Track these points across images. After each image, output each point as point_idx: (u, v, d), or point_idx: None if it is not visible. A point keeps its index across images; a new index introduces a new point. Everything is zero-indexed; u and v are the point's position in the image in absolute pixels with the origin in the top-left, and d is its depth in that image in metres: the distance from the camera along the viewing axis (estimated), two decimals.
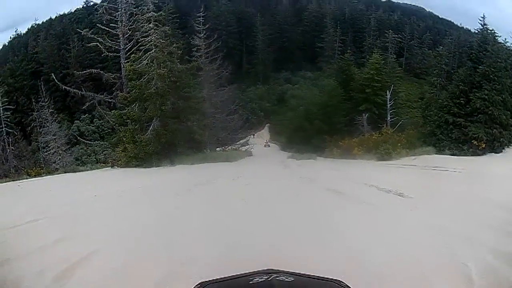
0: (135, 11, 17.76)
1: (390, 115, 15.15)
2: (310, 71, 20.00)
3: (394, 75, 17.10)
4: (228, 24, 20.64)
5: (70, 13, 23.33)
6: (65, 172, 16.38)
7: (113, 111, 17.37)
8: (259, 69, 20.88)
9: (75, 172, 16.26)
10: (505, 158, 17.06)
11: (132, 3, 18.08)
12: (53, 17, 22.59)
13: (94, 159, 19.00)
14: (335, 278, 1.29)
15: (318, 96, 16.87)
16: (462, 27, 19.94)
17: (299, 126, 16.15)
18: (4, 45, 21.94)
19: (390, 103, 15.15)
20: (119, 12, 18.05)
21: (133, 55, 16.90)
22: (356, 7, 21.36)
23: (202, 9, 17.26)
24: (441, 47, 18.40)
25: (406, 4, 21.54)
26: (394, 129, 15.05)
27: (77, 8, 22.44)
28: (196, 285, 1.23)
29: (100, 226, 5.72)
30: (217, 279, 1.30)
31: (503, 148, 17.28)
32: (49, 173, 16.20)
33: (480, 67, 16.84)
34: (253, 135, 19.08)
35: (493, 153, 16.95)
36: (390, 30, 19.63)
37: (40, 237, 5.08)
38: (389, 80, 15.84)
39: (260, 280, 1.24)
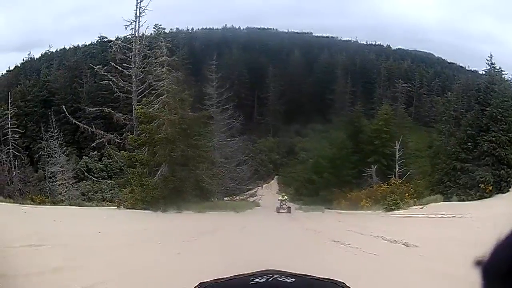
0: (149, 53, 18.27)
1: (399, 165, 15.49)
2: (320, 123, 20.17)
3: (403, 125, 17.46)
4: (240, 73, 21.18)
5: (84, 46, 23.46)
6: (70, 205, 16.59)
7: (122, 152, 17.67)
8: (270, 121, 21.34)
9: (80, 206, 16.48)
10: (509, 196, 17.30)
11: (146, 45, 18.63)
12: (67, 47, 23.29)
13: (101, 197, 19.24)
14: (336, 279, 1.30)
15: (327, 148, 17.28)
16: (470, 70, 20.41)
17: (308, 179, 16.62)
18: (16, 66, 22.48)
19: (398, 154, 15.50)
20: (132, 53, 18.56)
21: (144, 98, 17.28)
22: (366, 56, 21.75)
23: (215, 57, 17.82)
24: (450, 92, 18.70)
25: (416, 50, 22.09)
26: (403, 179, 15.38)
27: (91, 42, 23.14)
28: (196, 286, 1.25)
29: (100, 262, 5.96)
30: (217, 279, 1.31)
31: (510, 187, 17.53)
32: (54, 203, 16.59)
33: (487, 109, 17.11)
34: (262, 186, 19.35)
35: (500, 194, 17.16)
36: (400, 80, 19.97)
37: (40, 262, 5.36)
38: (398, 131, 16.21)
39: (261, 280, 1.25)
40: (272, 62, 21.70)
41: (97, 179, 19.90)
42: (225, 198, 16.60)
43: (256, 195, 17.86)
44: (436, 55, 22.78)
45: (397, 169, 15.44)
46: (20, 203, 15.36)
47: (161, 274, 5.67)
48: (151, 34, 19.26)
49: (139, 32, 19.24)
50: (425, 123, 20.07)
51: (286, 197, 16.68)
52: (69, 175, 19.37)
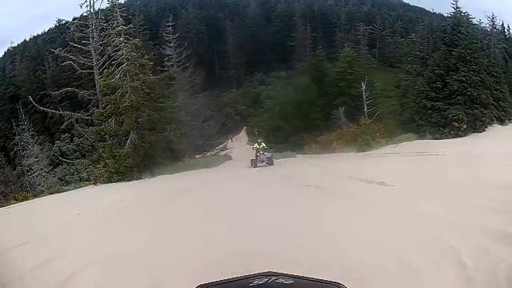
0: (105, 26, 18.09)
1: (367, 106, 15.46)
2: (283, 70, 20.29)
3: (367, 67, 17.47)
4: (198, 31, 20.95)
5: (44, 33, 23.49)
6: (50, 194, 16.55)
7: (90, 127, 17.61)
8: (232, 73, 21.27)
9: (59, 192, 16.44)
10: (487, 136, 17.33)
11: (102, 18, 18.44)
12: (28, 38, 22.76)
13: (78, 178, 19.14)
14: (334, 281, 1.31)
15: (292, 94, 17.16)
16: (434, 13, 20.38)
17: (276, 126, 16.49)
18: None
19: (365, 94, 15.46)
20: (89, 29, 18.38)
21: (106, 70, 17.14)
22: (325, 3, 21.72)
23: (171, 18, 17.58)
24: (414, 34, 18.77)
25: None
26: (372, 119, 15.35)
27: (50, 28, 22.64)
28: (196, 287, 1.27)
29: (82, 245, 5.90)
30: (216, 281, 1.32)
31: (486, 127, 17.55)
32: (35, 196, 16.32)
33: (455, 50, 17.16)
34: (231, 139, 19.30)
35: (476, 133, 17.21)
36: (361, 23, 19.99)
37: (30, 259, 5.31)
38: (363, 72, 16.19)
39: (260, 282, 1.27)
40: (229, 16, 21.56)
41: (71, 161, 19.65)
42: (197, 156, 16.47)
43: (227, 148, 17.84)
44: None
45: (366, 109, 15.42)
46: (5, 206, 15.02)
47: (140, 243, 5.63)
48: (106, 7, 19.10)
49: (94, 7, 19.04)
50: (390, 64, 20.11)
51: (263, 144, 14.76)
52: (44, 163, 19.12)
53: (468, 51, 17.10)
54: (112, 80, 16.56)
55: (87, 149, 19.19)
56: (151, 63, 16.28)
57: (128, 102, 15.89)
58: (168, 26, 17.13)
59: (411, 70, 17.38)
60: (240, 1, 21.54)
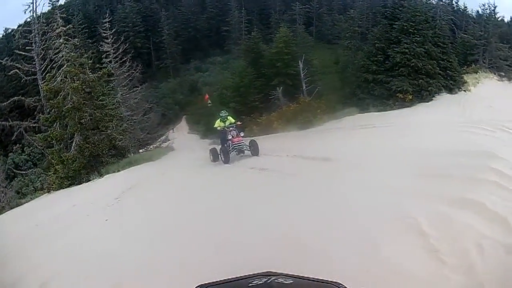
0: (46, 29, 18.04)
1: (306, 84, 15.46)
2: (219, 56, 20.31)
3: (304, 45, 17.55)
4: (134, 24, 20.86)
5: None
6: (11, 208, 16.48)
7: (38, 135, 17.45)
8: (169, 63, 21.13)
9: (18, 206, 16.35)
10: (434, 105, 17.48)
11: (43, 22, 18.39)
12: None
13: (33, 188, 18.93)
14: (334, 281, 1.31)
15: (229, 79, 17.18)
16: None
17: (215, 112, 16.35)
18: None
19: (303, 72, 15.49)
20: (32, 34, 18.33)
21: (48, 74, 17.06)
22: None
23: (107, 14, 17.53)
24: (353, 10, 18.91)
25: None
26: (311, 97, 15.34)
27: None
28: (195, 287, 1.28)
29: (41, 257, 5.99)
30: (215, 281, 1.33)
31: (433, 96, 17.61)
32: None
33: (396, 23, 17.30)
34: (172, 129, 19.09)
35: (422, 103, 17.28)
36: (297, 2, 20.08)
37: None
38: (300, 51, 16.23)
39: (259, 282, 1.27)
40: (164, 6, 21.45)
41: (25, 172, 19.41)
42: (140, 150, 16.35)
43: (169, 139, 17.66)
44: None
45: (304, 87, 15.45)
46: None
47: (92, 246, 5.82)
48: (48, 10, 19.12)
49: (37, 12, 19.01)
50: (328, 41, 20.26)
51: (230, 118, 12.08)
52: (1, 178, 18.83)
53: (411, 23, 17.31)
54: (54, 83, 16.44)
55: (37, 157, 19.01)
56: (90, 61, 16.16)
57: (70, 104, 15.76)
58: (105, 22, 16.96)
59: (350, 46, 17.49)
60: None
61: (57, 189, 15.28)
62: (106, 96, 15.82)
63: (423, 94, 16.84)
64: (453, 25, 19.77)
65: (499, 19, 20.90)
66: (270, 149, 11.98)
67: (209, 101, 13.60)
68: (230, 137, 11.34)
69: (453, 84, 17.80)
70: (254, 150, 11.15)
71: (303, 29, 19.17)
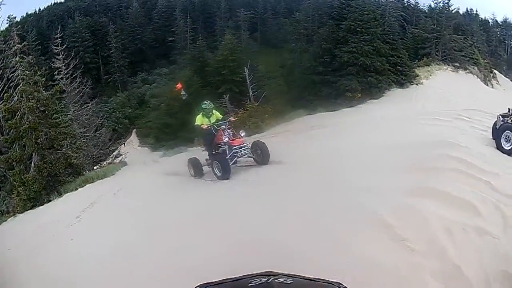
0: (3, 47, 18.11)
1: (252, 90, 15.74)
2: (165, 67, 20.49)
3: (249, 51, 17.79)
4: (84, 39, 20.91)
5: None
6: None
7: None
8: (117, 77, 21.22)
9: None
10: (384, 101, 17.65)
11: (1, 40, 18.46)
12: None
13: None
14: (334, 281, 1.32)
15: (176, 89, 17.32)
16: None
17: (164, 124, 16.73)
18: None
19: (249, 79, 15.76)
20: None
21: (6, 94, 17.13)
22: None
23: (59, 30, 17.55)
24: (298, 13, 19.10)
25: None
26: (258, 102, 15.62)
27: None
28: (196, 287, 1.29)
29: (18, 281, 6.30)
30: (215, 281, 1.33)
31: (383, 93, 17.83)
32: None
33: (343, 23, 17.49)
34: (124, 144, 19.18)
35: (372, 100, 17.49)
36: (242, 8, 20.27)
37: None
38: (245, 57, 16.47)
39: (259, 282, 1.28)
40: (112, 19, 21.62)
41: None
42: (95, 167, 16.42)
43: (121, 154, 17.76)
44: None
45: (251, 93, 15.73)
46: None
47: (62, 268, 6.06)
48: (6, 28, 19.10)
49: None
50: (274, 45, 20.18)
51: (216, 112, 10.04)
52: None
53: (359, 22, 17.57)
54: (11, 103, 16.51)
55: (1, 180, 19.05)
56: (43, 79, 16.28)
57: (27, 124, 15.82)
58: (57, 38, 17.17)
59: (295, 49, 17.73)
60: (122, 2, 21.76)
61: (22, 212, 15.04)
62: (59, 114, 15.94)
63: (372, 92, 17.11)
64: (403, 21, 20.00)
65: (453, 11, 21.10)
66: None
67: (183, 92, 11.92)
68: (225, 139, 8.73)
69: (404, 79, 18.07)
70: (263, 156, 8.62)
71: (248, 35, 19.42)
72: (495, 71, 22.89)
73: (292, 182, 7.08)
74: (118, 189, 12.32)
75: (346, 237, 4.06)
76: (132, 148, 18.46)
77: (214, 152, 8.99)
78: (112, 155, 17.57)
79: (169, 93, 17.28)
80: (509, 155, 7.35)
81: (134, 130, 19.75)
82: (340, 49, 16.82)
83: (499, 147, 7.52)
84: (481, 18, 22.39)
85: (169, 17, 21.34)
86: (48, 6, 20.76)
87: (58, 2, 21.11)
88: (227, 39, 16.88)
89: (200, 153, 10.07)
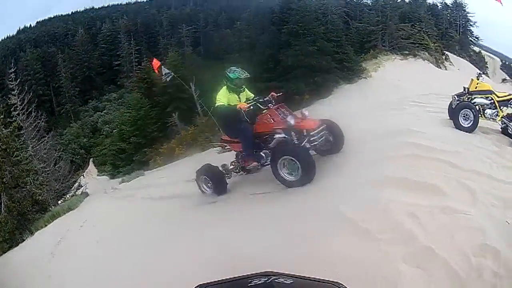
0: None
1: (200, 105, 16.09)
2: (114, 92, 20.81)
3: (193, 66, 18.04)
4: (35, 71, 21.29)
5: None
6: None
7: None
8: (69, 107, 21.66)
9: None
10: (333, 98, 17.98)
11: None
12: None
13: None
14: (334, 281, 1.33)
15: (125, 113, 17.72)
16: None
17: (118, 149, 17.06)
18: None
19: (196, 94, 16.08)
20: None
21: None
22: (148, 13, 22.06)
23: (12, 64, 17.73)
24: (239, 22, 19.30)
25: None
26: (207, 116, 15.94)
27: None
28: (195, 287, 1.30)
29: None
30: (215, 281, 1.33)
31: (332, 91, 18.24)
32: None
33: (285, 27, 17.74)
34: (83, 175, 19.31)
35: (321, 100, 17.91)
36: (183, 24, 20.44)
37: None
38: (189, 73, 16.75)
39: (259, 282, 1.28)
40: (60, 48, 21.88)
41: None
42: (59, 202, 16.29)
43: (81, 186, 18.00)
44: None
45: (199, 108, 16.03)
46: None
47: None
48: None
49: None
50: (217, 58, 20.52)
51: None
52: None
53: (301, 24, 17.69)
54: None
55: None
56: (1, 116, 16.43)
57: None
58: (11, 73, 17.41)
59: (239, 58, 17.97)
60: (68, 31, 21.86)
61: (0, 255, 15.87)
62: (20, 151, 15.98)
63: (320, 91, 17.50)
64: (346, 17, 20.31)
65: (398, 1, 21.43)
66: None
67: (165, 70, 10.01)
68: (291, 122, 5.81)
69: (351, 74, 18.44)
70: (337, 140, 6.17)
71: (191, 50, 19.68)
72: (447, 53, 23.40)
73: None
74: (83, 221, 12.76)
75: (304, 237, 3.97)
76: (91, 178, 18.70)
77: (255, 151, 5.92)
78: (73, 188, 17.76)
79: (119, 118, 17.72)
80: (469, 132, 7.30)
81: (91, 159, 20.20)
82: (284, 53, 17.05)
83: (457, 126, 7.44)
84: (429, 3, 22.82)
85: (114, 41, 21.71)
86: (1, 40, 20.96)
87: (11, 35, 21.38)
88: (170, 56, 17.11)
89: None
